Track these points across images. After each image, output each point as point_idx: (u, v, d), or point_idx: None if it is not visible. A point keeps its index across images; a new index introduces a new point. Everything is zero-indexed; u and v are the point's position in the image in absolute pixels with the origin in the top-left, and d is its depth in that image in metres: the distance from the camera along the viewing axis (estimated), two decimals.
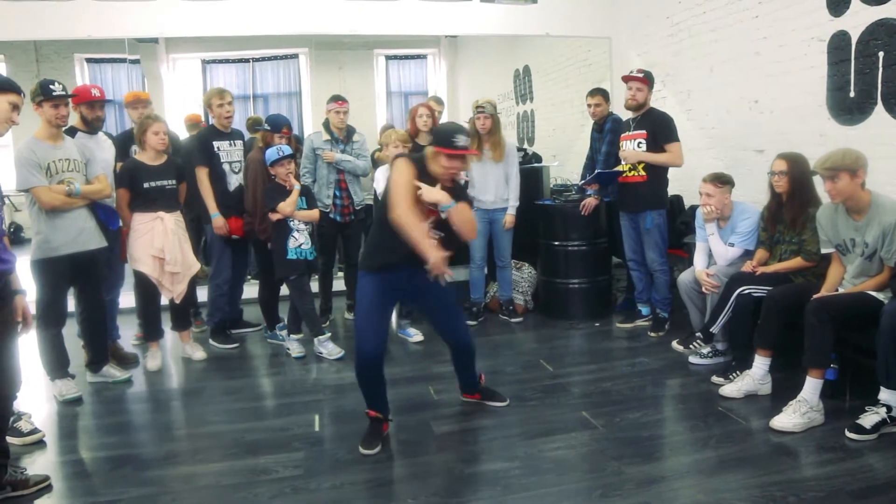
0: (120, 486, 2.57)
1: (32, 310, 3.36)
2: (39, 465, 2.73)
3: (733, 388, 3.21)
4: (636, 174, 4.16)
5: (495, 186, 4.53)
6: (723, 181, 3.63)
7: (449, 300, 3.02)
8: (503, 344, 4.34)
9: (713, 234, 3.68)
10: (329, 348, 4.04)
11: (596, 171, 4.38)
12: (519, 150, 5.11)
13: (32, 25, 4.94)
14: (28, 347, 3.72)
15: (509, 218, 4.56)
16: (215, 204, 4.15)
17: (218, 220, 4.14)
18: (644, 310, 4.45)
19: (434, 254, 2.59)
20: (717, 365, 3.59)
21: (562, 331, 4.52)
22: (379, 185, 4.11)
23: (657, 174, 4.14)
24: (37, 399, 3.47)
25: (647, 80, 4.14)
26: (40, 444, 2.98)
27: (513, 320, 4.72)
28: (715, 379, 3.39)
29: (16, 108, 2.61)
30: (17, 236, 7.64)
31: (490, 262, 4.74)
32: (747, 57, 4.38)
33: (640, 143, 4.13)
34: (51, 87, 3.30)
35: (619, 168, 4.26)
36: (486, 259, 4.66)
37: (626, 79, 4.19)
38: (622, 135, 4.29)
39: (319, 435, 3.01)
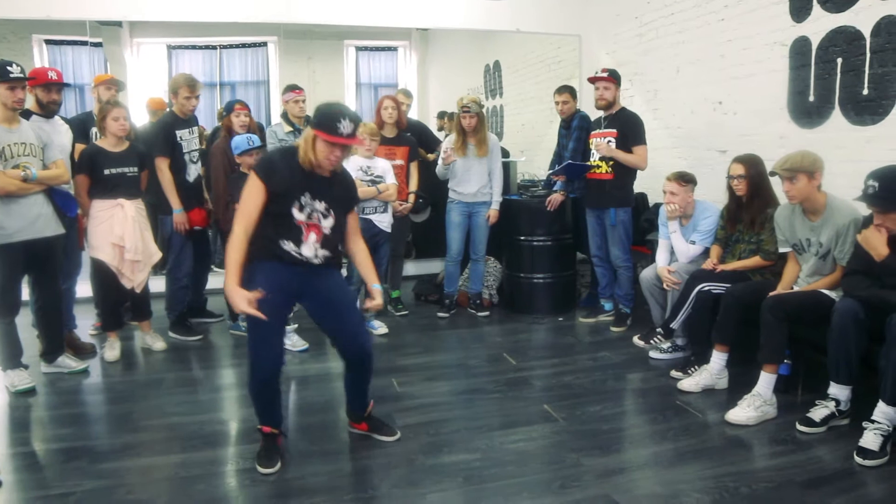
0: (73, 478, 2.51)
1: None
2: None
3: (691, 382, 3.28)
4: (604, 171, 4.21)
5: (478, 180, 4.53)
6: (686, 180, 3.70)
7: (348, 297, 2.69)
8: (469, 338, 4.36)
9: (675, 232, 3.75)
10: (294, 340, 4.00)
11: (567, 161, 4.38)
12: None
13: None
14: None
15: (493, 213, 4.58)
16: (178, 198, 4.03)
17: (180, 216, 4.03)
18: (607, 305, 4.52)
19: (235, 292, 2.27)
20: (676, 360, 3.66)
21: (526, 325, 4.56)
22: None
23: (624, 172, 4.19)
24: None
25: (614, 78, 4.18)
26: None
27: (480, 314, 4.75)
28: (674, 373, 3.46)
29: None
30: None
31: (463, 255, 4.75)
32: (713, 59, 4.46)
33: (609, 141, 4.18)
34: (8, 68, 3.20)
35: (590, 163, 4.29)
36: (462, 253, 4.67)
37: (593, 80, 4.23)
38: (592, 132, 4.33)
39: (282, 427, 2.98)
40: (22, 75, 3.25)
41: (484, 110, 4.65)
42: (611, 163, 4.17)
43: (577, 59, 6.04)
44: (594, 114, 4.64)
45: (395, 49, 9.01)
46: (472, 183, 4.54)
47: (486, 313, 4.77)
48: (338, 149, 2.36)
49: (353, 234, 2.68)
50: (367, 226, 4.16)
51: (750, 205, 3.45)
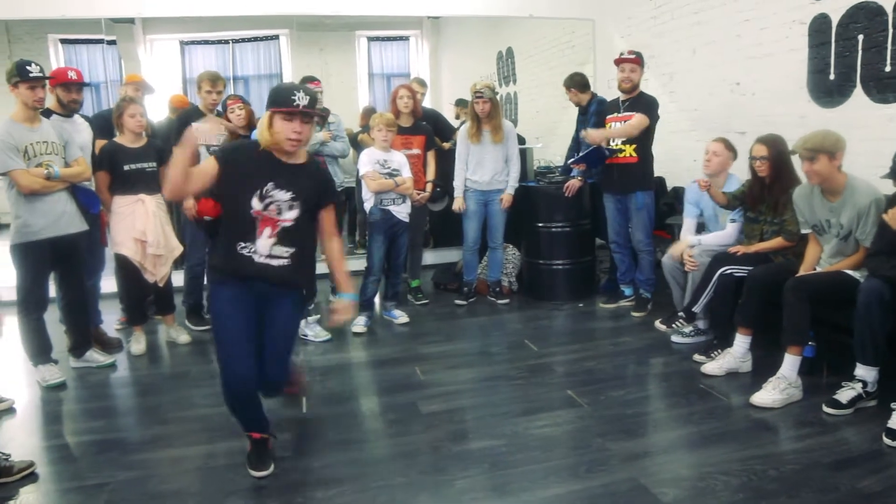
0: (107, 469, 2.56)
1: (12, 295, 3.35)
2: (24, 450, 2.70)
3: (714, 365, 3.27)
4: (628, 155, 4.17)
5: (492, 168, 4.53)
6: (730, 146, 3.68)
7: (286, 325, 2.48)
8: (489, 325, 4.37)
9: (735, 222, 3.66)
10: (316, 330, 4.04)
11: (591, 148, 4.30)
12: None
13: (5, 5, 4.82)
14: (9, 334, 3.70)
15: (507, 197, 4.56)
16: None
17: (188, 203, 4.06)
18: (627, 290, 4.51)
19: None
20: (698, 344, 3.65)
21: (546, 311, 4.56)
22: (362, 168, 4.10)
23: (646, 155, 4.16)
24: (20, 385, 3.44)
25: (640, 60, 4.14)
26: (25, 431, 2.95)
27: (500, 302, 4.75)
28: (696, 357, 3.45)
29: None
30: None
31: (480, 243, 4.75)
32: (730, 39, 4.41)
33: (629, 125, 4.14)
34: (27, 68, 3.23)
35: (615, 147, 4.24)
36: (479, 241, 4.67)
37: (620, 61, 4.15)
38: (610, 115, 4.28)
39: (307, 416, 3.02)
40: (42, 75, 3.29)
41: (498, 97, 4.62)
42: (633, 146, 4.13)
43: (590, 44, 5.99)
44: (609, 98, 4.61)
45: (406, 38, 8.98)
46: (487, 170, 4.53)
47: (506, 301, 4.77)
48: (296, 122, 2.26)
49: (327, 234, 2.53)
50: (386, 216, 4.18)
51: (773, 186, 3.40)
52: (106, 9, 5.18)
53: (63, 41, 7.41)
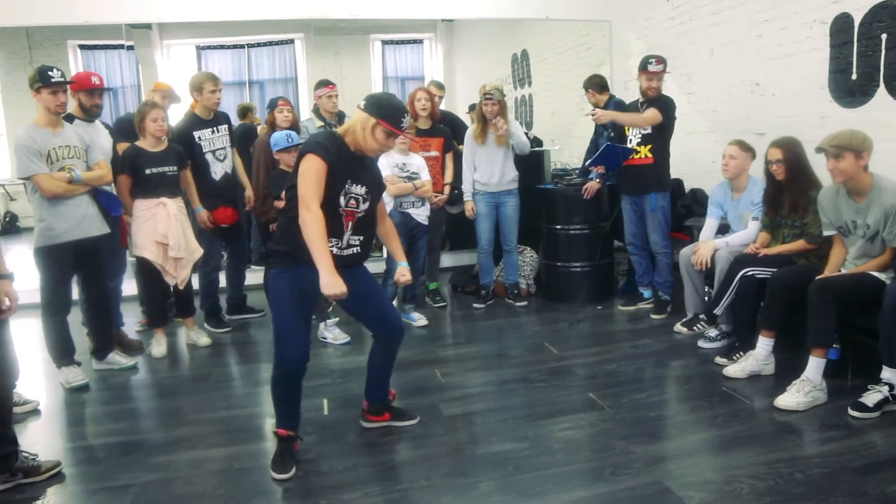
0: (132, 471, 2.58)
1: (36, 298, 3.39)
2: (50, 451, 2.72)
3: (737, 368, 3.25)
4: (643, 156, 4.16)
5: (501, 169, 4.53)
6: (747, 147, 3.67)
7: (376, 284, 2.74)
8: (508, 328, 4.36)
9: (757, 219, 3.63)
10: (335, 333, 4.05)
11: (605, 144, 4.28)
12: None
13: (25, 11, 4.89)
14: (31, 336, 3.74)
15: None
16: (197, 198, 4.11)
17: (201, 215, 4.11)
18: (645, 293, 4.48)
19: (331, 274, 2.25)
20: (721, 346, 3.61)
21: (565, 314, 4.54)
22: (381, 171, 4.09)
23: (663, 157, 4.15)
24: (44, 387, 3.48)
25: (666, 68, 4.14)
26: (50, 432, 2.98)
27: (518, 304, 4.75)
28: (718, 360, 3.42)
29: None
30: (12, 226, 7.61)
31: (495, 246, 4.75)
32: (748, 40, 4.38)
33: (645, 128, 4.13)
34: (49, 73, 3.27)
35: (629, 146, 4.22)
36: (493, 243, 4.68)
37: (650, 74, 4.09)
38: None
39: (329, 419, 3.03)
40: (63, 80, 3.32)
41: (506, 99, 4.62)
42: (649, 147, 4.12)
43: (607, 46, 5.98)
44: (626, 99, 4.60)
45: (420, 42, 9.00)
46: (496, 173, 4.53)
47: (524, 303, 4.76)
48: (392, 139, 2.45)
49: (381, 216, 2.71)
50: (405, 219, 4.19)
51: (791, 188, 3.39)
52: (125, 14, 5.23)
53: (82, 47, 7.49)
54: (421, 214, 4.25)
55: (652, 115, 4.03)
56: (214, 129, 4.22)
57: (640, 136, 4.18)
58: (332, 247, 2.40)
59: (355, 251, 2.52)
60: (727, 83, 4.64)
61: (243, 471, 2.56)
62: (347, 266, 2.48)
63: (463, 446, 2.68)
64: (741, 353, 3.33)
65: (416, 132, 4.31)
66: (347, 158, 2.41)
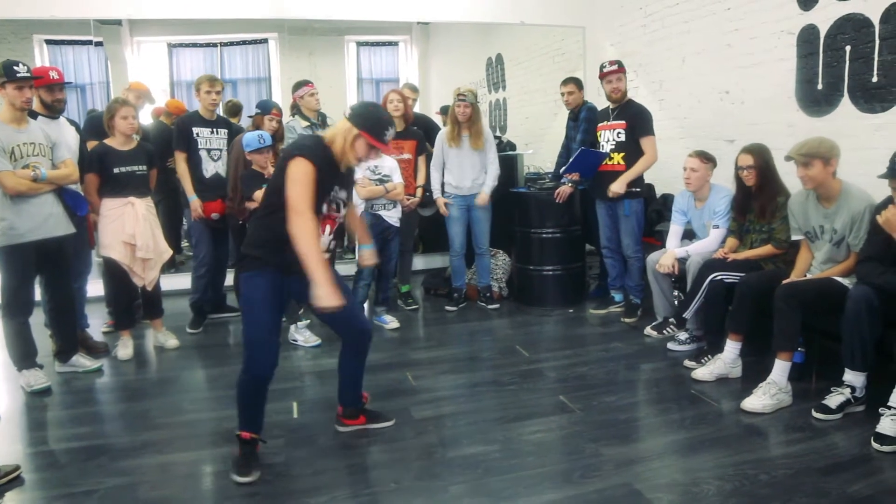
0: (95, 476, 2.52)
1: None
2: (9, 457, 2.64)
3: (705, 371, 3.29)
4: (616, 163, 4.21)
5: (473, 173, 4.54)
6: (707, 158, 3.73)
7: (344, 286, 2.58)
8: (480, 330, 4.37)
9: (718, 228, 3.71)
10: (306, 335, 4.02)
11: (580, 149, 4.32)
12: (494, 138, 5.13)
13: None
14: None
15: (483, 196, 4.55)
16: (192, 187, 4.15)
17: (194, 203, 4.14)
18: (617, 296, 4.53)
19: (328, 285, 2.21)
20: (690, 350, 3.66)
21: (536, 317, 4.57)
22: (357, 174, 4.07)
23: (635, 164, 4.19)
24: (3, 390, 3.39)
25: (623, 68, 4.19)
26: (9, 437, 2.90)
27: (490, 307, 4.76)
28: (687, 363, 3.47)
29: None
30: None
31: (467, 249, 4.75)
32: (719, 48, 4.46)
33: (619, 132, 4.18)
34: (14, 68, 3.19)
35: (603, 151, 4.26)
36: (465, 246, 4.69)
37: (604, 75, 4.20)
38: (600, 124, 4.32)
39: (299, 422, 2.99)
40: (29, 75, 3.24)
41: (480, 103, 4.65)
42: (622, 154, 4.17)
43: (581, 51, 6.03)
44: (599, 103, 4.64)
45: (395, 44, 8.99)
46: (467, 176, 4.54)
47: (497, 306, 4.77)
48: (374, 152, 2.43)
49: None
50: (377, 221, 4.17)
51: (759, 194, 3.46)
52: (94, 10, 5.12)
53: (48, 42, 7.32)
54: (392, 216, 4.24)
55: (652, 155, 4.14)
56: (214, 129, 4.22)
57: (613, 143, 4.22)
58: None
59: (328, 256, 2.50)
60: (698, 90, 4.72)
61: (211, 475, 2.52)
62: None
63: (433, 449, 2.67)
64: (709, 356, 3.39)
65: None
66: (332, 163, 2.40)
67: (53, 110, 3.70)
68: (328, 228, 2.47)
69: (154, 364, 3.87)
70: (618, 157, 4.20)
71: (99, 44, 6.17)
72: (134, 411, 3.19)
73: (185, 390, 3.43)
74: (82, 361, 3.64)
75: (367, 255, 2.85)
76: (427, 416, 2.99)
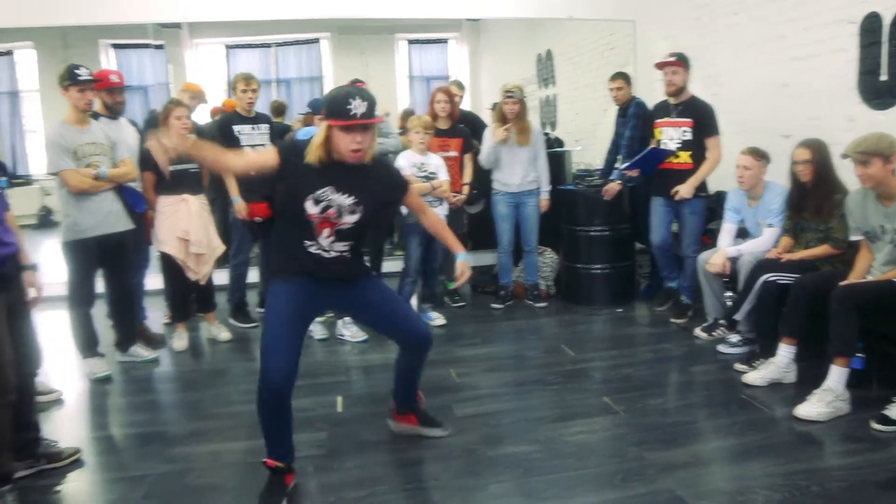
0: (149, 461, 2.63)
1: (62, 290, 3.47)
2: (72, 440, 2.78)
3: (757, 375, 3.18)
4: (683, 161, 4.07)
5: (522, 170, 4.52)
6: (760, 155, 3.60)
7: (389, 294, 2.59)
8: (526, 329, 4.34)
9: (772, 227, 3.58)
10: (353, 331, 4.08)
11: (649, 148, 4.20)
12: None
13: (59, 11, 5.00)
14: (59, 327, 3.84)
15: (544, 202, 4.57)
16: (236, 188, 4.16)
17: (238, 204, 4.16)
18: (672, 284, 4.39)
19: (196, 153, 2.39)
20: (741, 353, 3.55)
21: (584, 316, 4.51)
22: (401, 171, 4.11)
23: (702, 161, 4.05)
24: (69, 377, 3.56)
25: (682, 62, 4.03)
26: (72, 421, 3.06)
27: (537, 305, 4.72)
28: (738, 366, 3.36)
29: None
30: (47, 219, 7.81)
31: (515, 246, 4.73)
32: (774, 40, 4.29)
33: (685, 130, 4.04)
34: (76, 71, 3.35)
35: (668, 149, 4.12)
36: (513, 243, 4.66)
37: (661, 65, 4.07)
38: (660, 120, 4.18)
39: (342, 416, 3.04)
40: (90, 78, 3.40)
41: (529, 99, 4.61)
42: (689, 153, 4.05)
43: (631, 46, 5.90)
44: (649, 99, 4.53)
45: (445, 41, 9.03)
46: (517, 173, 4.52)
47: (544, 304, 4.73)
48: (357, 133, 2.17)
49: (419, 211, 2.65)
50: None
51: (816, 191, 3.32)
52: (154, 14, 5.31)
53: (114, 46, 7.67)
54: (439, 214, 4.24)
55: (715, 151, 4.01)
56: (254, 126, 4.28)
57: (679, 141, 4.10)
58: (311, 248, 2.32)
59: (344, 255, 2.36)
60: (752, 83, 4.55)
61: (257, 465, 2.56)
62: (343, 279, 2.40)
63: (474, 447, 2.68)
64: (762, 360, 3.27)
65: (435, 132, 4.31)
66: (325, 165, 2.25)
67: (114, 111, 3.88)
68: (326, 231, 2.31)
69: (207, 356, 4.01)
70: (684, 156, 4.06)
71: (160, 47, 6.40)
72: (186, 401, 3.32)
73: (235, 382, 3.53)
74: (140, 352, 3.80)
75: (461, 266, 2.58)
76: (469, 414, 3.00)
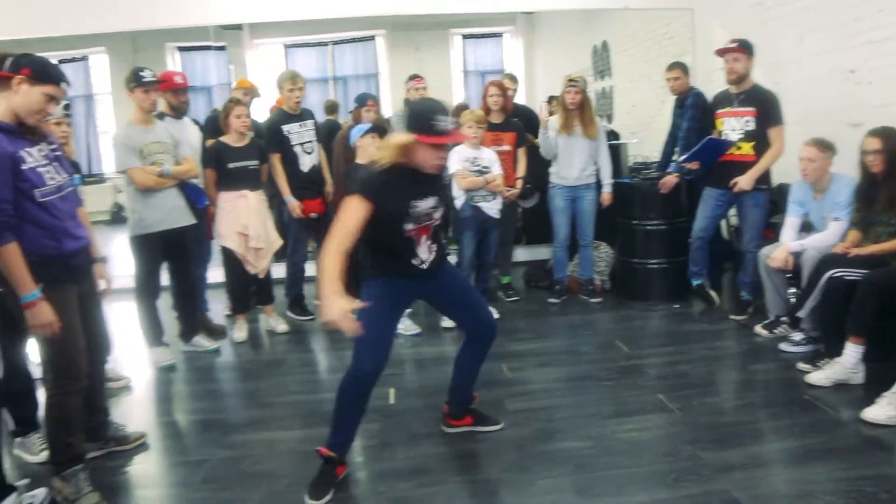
0: (208, 447, 2.75)
1: (131, 283, 3.65)
2: (139, 425, 2.92)
3: (821, 375, 3.05)
4: (743, 153, 3.93)
5: (580, 163, 4.45)
6: (826, 146, 3.44)
7: (462, 280, 2.71)
8: (580, 324, 4.29)
9: (839, 220, 3.43)
10: (406, 324, 4.12)
11: (707, 138, 4.07)
12: None
13: (128, 16, 5.23)
14: (128, 318, 4.03)
15: (606, 196, 4.50)
16: (288, 188, 4.25)
17: (292, 204, 4.25)
18: (695, 281, 4.30)
19: (336, 306, 2.06)
20: (805, 352, 3.41)
21: (639, 312, 4.42)
22: (452, 166, 4.12)
23: (765, 153, 3.91)
24: (137, 365, 3.74)
25: (745, 48, 3.86)
26: (139, 407, 3.22)
27: (592, 300, 4.66)
28: (801, 366, 3.23)
29: (52, 99, 2.23)
30: (119, 216, 8.20)
31: (570, 240, 4.67)
32: (844, 24, 4.08)
33: (748, 120, 3.90)
34: (141, 73, 3.50)
35: (729, 140, 4.00)
36: (569, 238, 4.61)
37: (722, 52, 3.92)
38: (721, 110, 4.04)
39: (395, 408, 3.09)
40: (154, 79, 3.55)
41: (587, 92, 4.53)
42: (751, 143, 3.91)
43: (689, 34, 5.72)
44: (708, 90, 4.39)
45: (500, 35, 8.96)
46: (575, 166, 4.45)
47: (599, 299, 4.67)
48: (444, 148, 2.30)
49: None
50: (477, 213, 4.19)
51: (888, 182, 3.14)
52: (216, 16, 5.49)
53: (179, 49, 7.96)
54: (492, 208, 4.24)
55: (778, 141, 3.85)
56: (301, 123, 4.35)
57: (741, 131, 3.96)
58: (414, 260, 2.40)
59: (435, 255, 2.47)
60: (817, 71, 4.34)
61: (309, 454, 2.62)
62: (433, 270, 2.48)
63: (524, 442, 2.67)
64: (827, 359, 3.13)
65: (488, 126, 4.30)
66: (400, 183, 2.29)
67: (178, 111, 4.03)
68: (423, 237, 2.40)
69: (265, 347, 4.14)
70: (747, 147, 3.92)
71: (222, 48, 6.61)
72: (245, 390, 3.44)
73: (291, 372, 3.63)
74: (202, 342, 3.95)
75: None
76: (520, 409, 2.99)
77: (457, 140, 2.31)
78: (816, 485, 2.26)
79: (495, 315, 4.24)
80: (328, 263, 2.14)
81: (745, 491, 2.23)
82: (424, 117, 2.19)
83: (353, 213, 2.22)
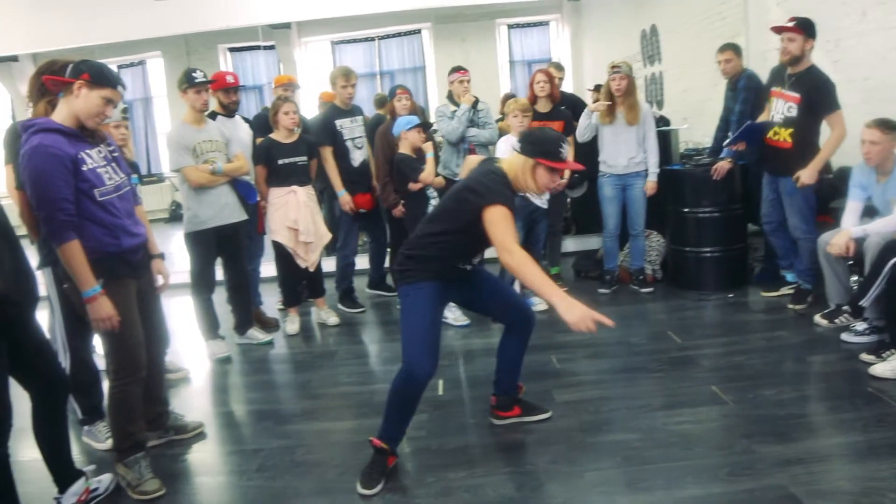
0: (262, 437, 2.83)
1: (187, 279, 3.78)
2: (198, 415, 3.03)
3: (887, 367, 2.91)
4: (781, 140, 3.78)
5: (627, 151, 4.36)
6: (890, 127, 3.27)
7: (489, 275, 2.73)
8: (631, 314, 4.21)
9: None
10: (456, 314, 4.13)
11: (747, 123, 3.95)
12: None
13: (181, 20, 5.39)
14: (185, 312, 4.18)
15: (651, 184, 4.40)
16: (340, 182, 4.33)
17: (344, 198, 4.33)
18: (789, 276, 4.11)
19: (564, 301, 2.18)
20: (869, 342, 3.26)
21: (692, 302, 4.31)
22: (500, 155, 4.10)
23: (803, 143, 3.72)
24: (195, 357, 3.88)
25: (801, 28, 3.65)
26: (197, 397, 3.33)
27: (643, 290, 4.57)
28: (864, 357, 3.09)
29: (109, 102, 2.30)
30: (177, 214, 8.51)
31: (621, 230, 4.60)
32: None
33: (791, 106, 3.74)
34: (193, 74, 3.61)
35: (769, 121, 3.86)
36: (619, 227, 4.53)
37: (777, 29, 3.74)
38: (774, 88, 3.87)
39: (443, 399, 3.11)
40: (205, 80, 3.65)
41: (636, 78, 4.42)
42: (790, 130, 3.76)
43: (742, 14, 5.51)
44: (764, 74, 4.23)
45: (546, 23, 8.87)
46: (622, 154, 4.36)
47: (650, 289, 4.57)
48: (557, 175, 2.44)
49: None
50: (524, 203, 4.15)
51: None
52: (265, 16, 5.61)
53: (231, 49, 8.18)
54: (540, 198, 4.20)
55: (838, 128, 3.65)
56: (352, 118, 4.43)
57: (782, 116, 3.80)
58: (464, 265, 2.51)
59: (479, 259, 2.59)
60: (882, 47, 4.12)
61: (360, 444, 2.68)
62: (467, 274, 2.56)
63: (573, 434, 2.65)
64: (892, 350, 2.99)
65: (535, 115, 4.26)
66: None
67: (230, 110, 4.14)
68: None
69: (317, 339, 4.22)
70: (784, 134, 3.77)
71: (271, 47, 6.75)
72: (298, 381, 3.53)
73: (342, 364, 3.70)
74: (256, 335, 4.06)
75: None
76: (569, 400, 2.97)
77: (575, 168, 2.63)
78: (882, 482, 2.16)
79: (543, 306, 4.28)
80: (536, 270, 2.25)
81: (803, 487, 2.16)
82: (551, 144, 2.38)
83: (507, 218, 2.29)
